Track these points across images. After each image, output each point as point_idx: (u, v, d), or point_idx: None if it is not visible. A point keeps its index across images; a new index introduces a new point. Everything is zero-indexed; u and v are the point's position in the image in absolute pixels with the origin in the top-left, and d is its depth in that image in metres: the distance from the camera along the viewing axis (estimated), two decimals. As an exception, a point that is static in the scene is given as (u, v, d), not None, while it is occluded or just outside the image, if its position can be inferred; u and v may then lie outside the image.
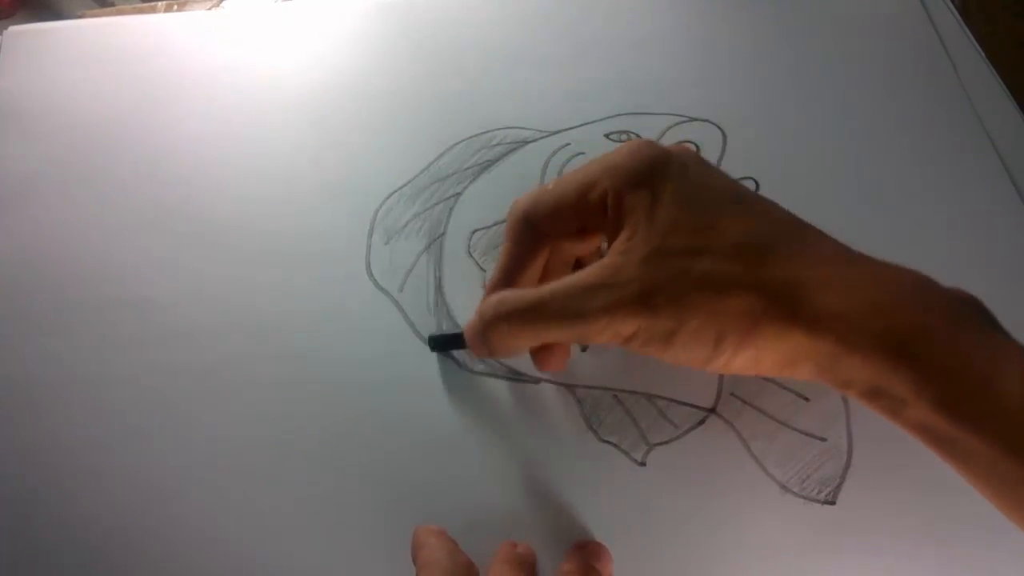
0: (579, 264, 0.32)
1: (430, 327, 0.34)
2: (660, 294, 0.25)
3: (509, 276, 0.29)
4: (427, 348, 0.33)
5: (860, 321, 0.23)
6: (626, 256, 0.26)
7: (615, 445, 0.31)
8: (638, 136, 0.39)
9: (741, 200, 0.27)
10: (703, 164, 0.28)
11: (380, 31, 0.43)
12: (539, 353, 0.30)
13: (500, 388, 0.32)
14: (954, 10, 0.44)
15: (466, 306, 0.34)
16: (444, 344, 0.32)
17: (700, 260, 0.25)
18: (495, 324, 0.27)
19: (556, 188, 0.29)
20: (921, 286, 0.25)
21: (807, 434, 0.31)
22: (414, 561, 0.26)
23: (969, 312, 0.24)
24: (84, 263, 0.35)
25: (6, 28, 0.43)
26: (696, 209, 0.26)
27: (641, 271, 0.25)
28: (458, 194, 0.37)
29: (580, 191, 0.28)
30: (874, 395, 0.24)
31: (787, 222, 0.27)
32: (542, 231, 0.29)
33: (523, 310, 0.27)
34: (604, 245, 0.29)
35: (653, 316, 0.25)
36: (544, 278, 0.30)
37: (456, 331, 0.31)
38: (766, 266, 0.25)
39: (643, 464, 0.31)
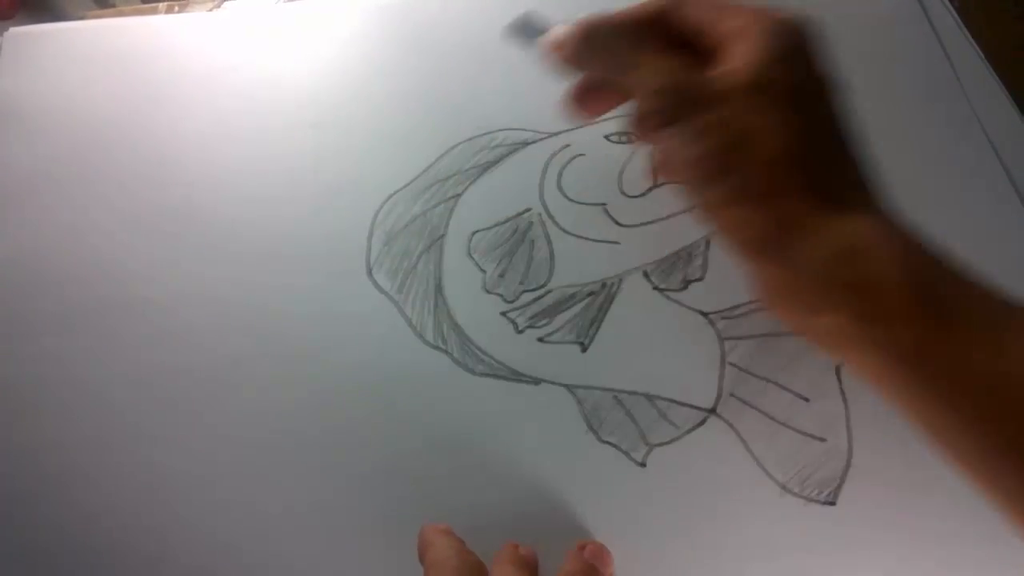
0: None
1: (430, 328, 0.34)
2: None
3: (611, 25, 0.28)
4: (426, 347, 0.33)
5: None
6: (731, 77, 0.25)
7: (615, 445, 0.31)
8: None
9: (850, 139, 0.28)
10: (842, 102, 0.28)
11: (380, 31, 0.43)
12: (581, 96, 0.31)
13: (500, 388, 0.32)
14: (953, 11, 0.44)
15: (466, 307, 0.34)
16: (523, 29, 0.32)
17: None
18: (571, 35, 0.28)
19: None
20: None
21: (807, 435, 0.31)
22: (421, 560, 0.26)
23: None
24: (84, 263, 0.35)
25: (6, 29, 0.43)
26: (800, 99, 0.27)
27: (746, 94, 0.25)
28: (458, 195, 0.37)
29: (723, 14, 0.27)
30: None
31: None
32: (665, 23, 0.27)
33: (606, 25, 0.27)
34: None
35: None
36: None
37: (544, 26, 0.30)
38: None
39: (643, 464, 0.31)
